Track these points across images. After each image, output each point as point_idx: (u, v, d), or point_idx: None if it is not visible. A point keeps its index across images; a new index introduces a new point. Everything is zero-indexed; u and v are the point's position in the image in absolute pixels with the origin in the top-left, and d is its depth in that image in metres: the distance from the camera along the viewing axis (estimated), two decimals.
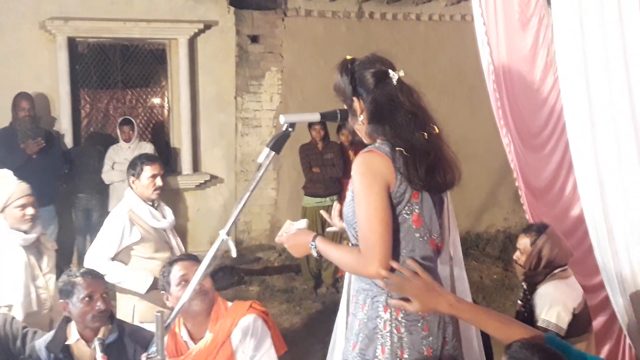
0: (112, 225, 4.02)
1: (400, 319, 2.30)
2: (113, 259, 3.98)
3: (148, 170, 4.08)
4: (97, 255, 3.97)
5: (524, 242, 3.52)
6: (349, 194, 2.36)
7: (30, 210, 3.66)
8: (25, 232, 3.65)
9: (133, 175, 4.11)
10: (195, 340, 3.01)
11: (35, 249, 3.72)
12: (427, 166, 2.25)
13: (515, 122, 4.17)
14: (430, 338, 2.33)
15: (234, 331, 2.94)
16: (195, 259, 3.15)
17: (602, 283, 3.52)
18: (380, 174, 2.23)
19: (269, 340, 2.99)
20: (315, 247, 2.42)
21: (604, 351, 3.81)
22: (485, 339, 3.42)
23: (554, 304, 3.32)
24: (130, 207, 4.05)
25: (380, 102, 2.30)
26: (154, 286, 3.86)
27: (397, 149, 2.23)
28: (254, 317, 2.99)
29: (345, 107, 2.38)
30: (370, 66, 2.35)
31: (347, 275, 2.69)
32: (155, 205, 4.15)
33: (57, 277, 3.43)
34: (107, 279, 3.96)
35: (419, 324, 2.32)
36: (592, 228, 3.46)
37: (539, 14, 3.85)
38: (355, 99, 2.33)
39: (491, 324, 2.20)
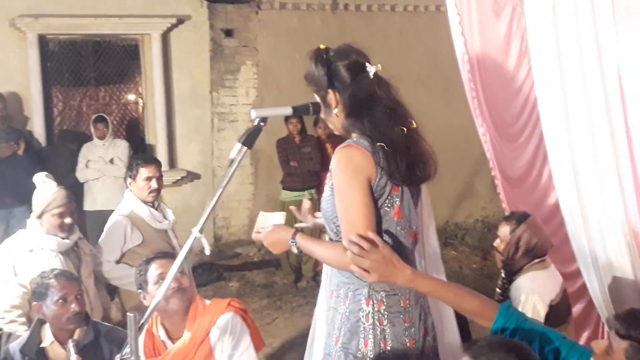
0: (113, 228, 3.94)
1: (382, 311, 2.31)
2: (118, 262, 3.92)
3: (143, 172, 4.00)
4: (104, 260, 3.91)
5: (504, 230, 3.52)
6: (327, 189, 2.34)
7: (68, 219, 3.60)
8: (63, 237, 3.59)
9: (130, 176, 4.04)
10: (173, 339, 2.97)
11: (73, 253, 3.67)
12: (407, 161, 2.26)
13: (490, 111, 4.18)
14: (412, 329, 2.34)
15: (212, 329, 2.90)
16: (173, 257, 3.10)
17: (579, 270, 3.54)
18: (361, 169, 2.22)
19: (248, 338, 2.96)
20: (295, 244, 2.37)
21: (583, 338, 3.84)
22: (464, 322, 3.42)
23: (530, 296, 3.30)
24: (131, 209, 3.98)
25: (358, 97, 2.28)
26: None
27: (378, 144, 2.22)
28: (232, 315, 2.95)
29: (318, 98, 2.35)
30: (346, 58, 2.32)
31: (325, 269, 2.66)
32: (156, 206, 4.08)
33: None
34: (115, 283, 3.95)
35: (401, 316, 2.33)
36: (567, 216, 3.47)
37: (512, 3, 3.85)
38: (330, 91, 2.30)
39: (448, 296, 2.24)
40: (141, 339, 2.89)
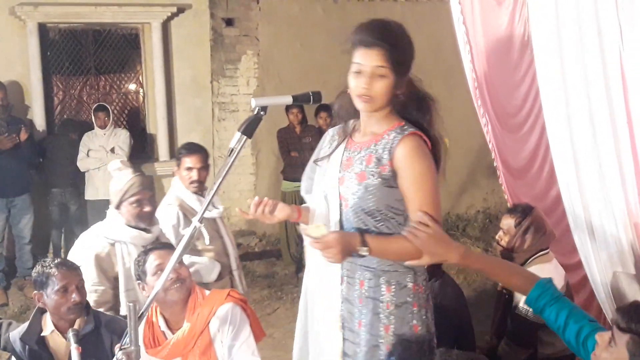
0: (166, 218, 3.83)
1: (423, 294, 2.41)
2: None
3: (186, 162, 3.91)
4: None
5: (508, 222, 3.49)
6: (371, 177, 2.32)
7: (147, 208, 3.45)
8: (145, 230, 3.44)
9: (177, 165, 3.95)
10: (173, 330, 2.96)
11: None
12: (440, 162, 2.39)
13: (492, 102, 4.16)
14: (431, 302, 2.50)
15: (212, 320, 2.89)
16: (171, 247, 3.08)
17: (581, 262, 3.53)
18: (430, 156, 2.32)
19: (248, 329, 2.96)
20: (367, 248, 2.27)
21: None
22: (467, 319, 3.42)
23: None
24: (180, 198, 3.90)
25: (417, 86, 2.41)
26: (221, 276, 3.80)
27: (444, 139, 2.40)
28: (232, 306, 2.94)
29: (390, 71, 2.28)
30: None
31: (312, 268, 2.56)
32: (204, 194, 3.96)
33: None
34: None
35: (430, 297, 2.47)
36: (569, 207, 3.46)
37: None
38: (409, 76, 2.35)
39: (498, 272, 2.42)
40: (141, 328, 2.88)
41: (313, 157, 2.61)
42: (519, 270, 2.46)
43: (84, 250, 3.43)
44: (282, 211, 2.46)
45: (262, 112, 2.15)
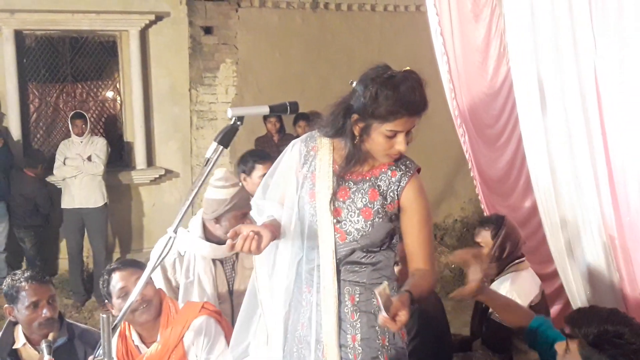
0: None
1: None
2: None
3: (260, 169, 3.85)
4: None
5: (484, 234, 3.49)
6: (375, 215, 2.32)
7: (247, 220, 3.21)
8: (219, 242, 3.25)
9: (244, 171, 3.89)
10: (147, 344, 2.90)
11: (230, 264, 3.34)
12: None
13: (469, 113, 4.19)
14: None
15: (186, 334, 2.84)
16: (137, 265, 2.95)
17: (556, 271, 3.56)
18: None
19: (223, 341, 2.90)
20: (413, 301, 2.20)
21: None
22: (446, 325, 3.41)
23: (510, 296, 3.31)
24: None
25: None
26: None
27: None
28: (206, 318, 2.88)
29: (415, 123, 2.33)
30: None
31: (328, 277, 2.42)
32: None
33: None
34: None
35: None
36: (545, 218, 3.49)
37: (491, 4, 3.86)
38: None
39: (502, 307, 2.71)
40: (114, 341, 2.82)
41: (268, 174, 2.56)
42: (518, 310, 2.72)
43: (153, 257, 3.37)
44: (266, 240, 2.27)
45: (238, 122, 2.13)
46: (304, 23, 8.15)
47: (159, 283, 3.24)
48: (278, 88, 7.69)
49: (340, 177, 2.38)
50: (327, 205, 2.35)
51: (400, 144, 2.25)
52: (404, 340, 2.48)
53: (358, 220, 2.33)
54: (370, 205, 2.33)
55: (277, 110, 2.27)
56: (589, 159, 3.05)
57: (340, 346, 2.40)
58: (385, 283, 2.17)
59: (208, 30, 7.84)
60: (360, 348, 2.38)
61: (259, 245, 2.22)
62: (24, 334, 2.91)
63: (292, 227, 2.45)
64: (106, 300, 2.93)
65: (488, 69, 3.96)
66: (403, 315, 2.06)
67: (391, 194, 2.32)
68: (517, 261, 3.46)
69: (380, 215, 2.32)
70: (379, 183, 2.34)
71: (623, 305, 3.16)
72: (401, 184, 2.32)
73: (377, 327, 2.37)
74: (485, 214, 4.33)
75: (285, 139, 7.19)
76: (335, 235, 2.35)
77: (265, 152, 3.98)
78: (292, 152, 2.54)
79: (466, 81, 4.14)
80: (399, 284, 2.50)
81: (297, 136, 7.26)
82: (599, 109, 2.95)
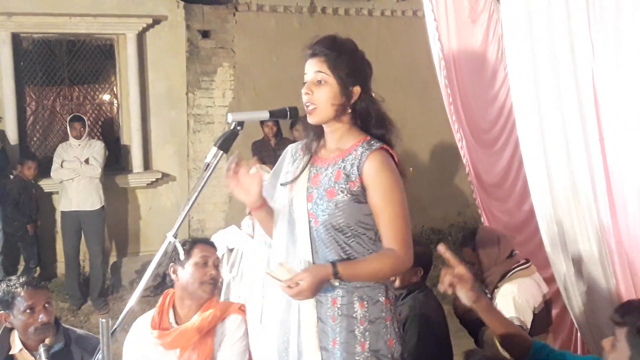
0: None
1: (394, 308, 2.42)
2: None
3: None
4: None
5: (467, 252, 3.49)
6: (340, 193, 2.31)
7: None
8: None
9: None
10: (179, 324, 2.97)
11: None
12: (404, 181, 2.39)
13: (466, 117, 4.19)
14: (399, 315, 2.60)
15: (220, 324, 2.94)
16: (214, 246, 3.17)
17: (553, 276, 3.56)
18: (397, 171, 2.33)
19: (248, 345, 2.98)
20: (338, 277, 2.27)
21: (557, 344, 3.86)
22: (447, 330, 3.40)
23: (518, 304, 3.27)
24: None
25: (377, 105, 2.38)
26: None
27: (410, 169, 2.51)
28: (241, 319, 2.99)
29: (333, 80, 2.30)
30: (370, 67, 2.41)
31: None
32: None
33: None
34: None
35: (397, 310, 2.49)
36: (542, 222, 3.49)
37: (488, 9, 3.87)
38: (359, 86, 2.33)
39: (496, 323, 2.51)
40: (148, 317, 2.99)
41: (272, 175, 2.60)
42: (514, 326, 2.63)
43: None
44: (254, 182, 2.40)
45: (238, 127, 2.14)
46: (302, 27, 8.16)
47: None
48: (275, 92, 7.70)
49: (312, 164, 2.44)
50: (304, 192, 2.40)
51: (304, 88, 2.35)
52: (393, 349, 2.37)
53: (323, 202, 2.34)
54: (334, 185, 2.33)
55: (277, 116, 2.28)
56: (586, 165, 3.06)
57: (320, 349, 2.39)
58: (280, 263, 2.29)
59: (205, 34, 7.85)
60: (338, 352, 2.35)
61: (238, 168, 2.37)
62: (20, 340, 2.89)
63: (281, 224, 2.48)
64: (173, 263, 3.02)
65: (485, 74, 3.97)
66: (303, 282, 2.19)
67: (353, 171, 2.31)
68: (522, 266, 3.41)
69: (345, 194, 2.30)
70: (344, 164, 2.34)
71: None
72: (361, 159, 2.30)
73: (356, 333, 2.34)
74: (482, 220, 4.34)
75: (282, 143, 7.19)
76: (310, 220, 2.37)
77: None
78: (284, 153, 2.61)
79: (463, 86, 4.15)
80: (393, 288, 2.50)
81: (294, 140, 7.27)
82: (596, 115, 2.96)
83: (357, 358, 2.34)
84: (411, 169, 2.48)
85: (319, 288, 2.28)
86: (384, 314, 2.36)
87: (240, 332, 2.96)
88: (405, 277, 3.29)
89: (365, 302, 2.35)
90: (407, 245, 2.30)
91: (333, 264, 2.28)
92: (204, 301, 2.98)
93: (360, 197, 2.30)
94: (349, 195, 2.30)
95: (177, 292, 3.01)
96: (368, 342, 2.34)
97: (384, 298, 2.37)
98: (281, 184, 2.51)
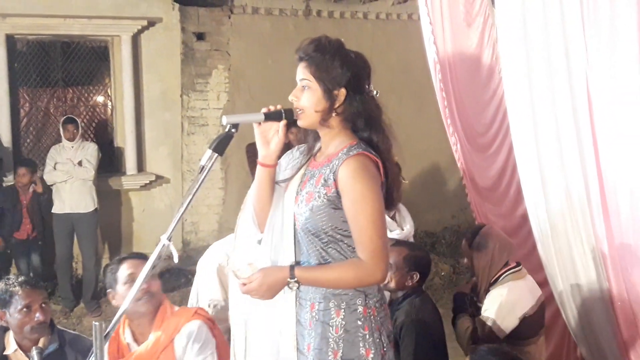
0: None
1: (376, 318, 2.33)
2: None
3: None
4: None
5: (465, 246, 3.50)
6: (318, 198, 2.27)
7: None
8: None
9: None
10: (139, 342, 2.92)
11: None
12: (396, 184, 2.34)
13: (461, 121, 4.20)
14: (390, 327, 2.45)
15: (177, 337, 2.85)
16: (145, 258, 2.99)
17: (546, 279, 3.58)
18: (376, 177, 2.24)
19: (213, 349, 2.91)
20: (296, 281, 2.27)
21: (550, 346, 3.88)
22: (443, 334, 3.40)
23: (502, 307, 3.28)
24: None
25: (369, 107, 2.31)
26: None
27: (396, 159, 2.33)
28: (199, 324, 2.89)
29: (316, 85, 2.28)
30: (367, 66, 2.35)
31: None
32: (391, 215, 3.78)
33: None
34: None
35: (387, 320, 2.40)
36: (535, 226, 3.51)
37: (483, 13, 3.89)
38: (343, 89, 2.28)
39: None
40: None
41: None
42: None
43: (208, 262, 3.48)
44: (277, 139, 2.41)
45: (233, 130, 2.14)
46: (297, 30, 8.16)
47: (213, 289, 3.39)
48: (270, 95, 7.61)
49: (307, 167, 2.41)
50: (293, 194, 2.38)
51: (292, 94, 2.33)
52: (369, 358, 2.29)
53: (302, 205, 2.31)
54: (313, 190, 2.30)
55: (272, 117, 2.28)
56: (580, 169, 3.08)
57: (297, 350, 2.38)
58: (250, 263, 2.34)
59: (200, 36, 7.84)
60: (311, 357, 2.32)
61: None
62: (16, 340, 2.89)
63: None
64: (110, 289, 2.98)
65: (480, 78, 3.98)
66: (254, 282, 2.28)
67: (330, 176, 2.27)
68: (513, 270, 3.41)
69: (321, 199, 2.26)
70: (326, 170, 2.30)
71: (613, 314, 3.18)
72: (338, 164, 2.25)
73: (330, 340, 2.30)
74: (475, 222, 4.35)
75: None
76: (294, 223, 2.36)
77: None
78: (289, 152, 2.58)
79: (458, 89, 4.16)
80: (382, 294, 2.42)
81: (289, 143, 7.25)
82: (590, 119, 2.97)
83: None
84: (406, 180, 2.43)
85: (274, 289, 2.29)
86: (360, 323, 2.30)
87: (199, 338, 2.87)
88: (401, 281, 3.28)
89: (342, 310, 2.31)
90: (377, 257, 2.21)
91: (292, 266, 2.28)
92: (151, 314, 2.90)
93: (336, 202, 2.25)
94: (325, 200, 2.26)
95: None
96: (341, 351, 2.30)
97: (362, 307, 2.30)
98: (276, 182, 2.48)
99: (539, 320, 3.42)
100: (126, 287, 2.89)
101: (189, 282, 7.22)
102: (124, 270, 2.95)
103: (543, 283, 3.56)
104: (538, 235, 3.47)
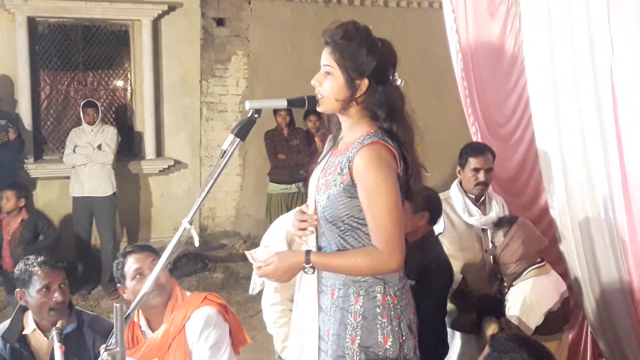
0: None
1: (396, 305, 2.33)
2: None
3: (472, 163, 3.70)
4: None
5: (498, 235, 3.44)
6: (335, 187, 2.27)
7: None
8: None
9: (460, 164, 3.80)
10: (153, 330, 2.92)
11: None
12: (416, 174, 2.32)
13: (482, 111, 4.17)
14: (416, 321, 2.43)
15: (188, 324, 2.84)
16: (151, 250, 3.00)
17: (566, 272, 3.56)
18: (392, 167, 2.22)
19: (224, 334, 2.90)
20: (311, 266, 2.27)
21: (568, 339, 3.85)
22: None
23: (526, 304, 3.24)
24: (449, 196, 3.78)
25: (392, 97, 2.29)
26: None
27: (418, 149, 2.31)
28: (209, 309, 2.87)
29: (338, 72, 2.25)
30: (392, 56, 2.32)
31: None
32: (482, 199, 3.75)
33: None
34: None
35: (409, 308, 2.38)
36: (556, 218, 3.49)
37: (507, 3, 3.84)
38: (366, 79, 2.26)
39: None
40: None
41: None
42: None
43: (275, 232, 3.29)
44: None
45: (256, 115, 2.13)
46: (317, 17, 8.13)
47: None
48: (289, 81, 7.68)
49: (331, 155, 2.41)
50: (315, 182, 2.39)
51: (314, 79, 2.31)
52: (388, 348, 2.30)
53: (321, 193, 2.32)
54: (330, 178, 2.30)
55: (295, 104, 2.26)
56: (602, 161, 3.04)
57: (319, 337, 2.39)
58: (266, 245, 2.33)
59: (220, 22, 7.84)
60: (330, 343, 2.34)
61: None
62: (34, 320, 2.92)
63: None
64: (119, 284, 2.97)
65: (502, 68, 3.94)
66: (270, 265, 2.31)
67: (346, 164, 2.26)
68: (537, 265, 3.33)
69: (337, 188, 2.26)
70: (343, 158, 2.29)
71: (632, 307, 3.16)
72: (352, 153, 2.25)
73: (349, 326, 2.31)
74: None
75: (295, 132, 7.20)
76: (315, 209, 2.36)
77: (482, 145, 3.92)
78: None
79: (480, 79, 4.12)
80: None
81: (307, 130, 7.28)
82: (614, 111, 2.94)
83: (347, 352, 2.32)
84: (428, 173, 2.39)
85: (289, 273, 2.32)
86: (379, 310, 2.30)
87: (209, 325, 2.85)
88: (410, 224, 3.16)
89: (361, 297, 2.31)
90: (392, 245, 2.20)
91: (307, 251, 2.29)
92: (163, 304, 2.88)
93: (352, 191, 2.25)
94: (340, 189, 2.26)
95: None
96: (359, 338, 2.31)
97: (381, 295, 2.31)
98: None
99: (564, 315, 3.35)
100: (134, 282, 2.87)
101: (205, 267, 7.29)
102: (130, 265, 2.91)
103: (563, 275, 3.53)
104: (558, 227, 3.45)
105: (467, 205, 3.70)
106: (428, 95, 8.11)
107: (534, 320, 3.23)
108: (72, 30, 7.46)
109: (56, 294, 2.86)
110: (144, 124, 7.67)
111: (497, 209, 3.71)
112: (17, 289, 2.94)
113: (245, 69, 8.00)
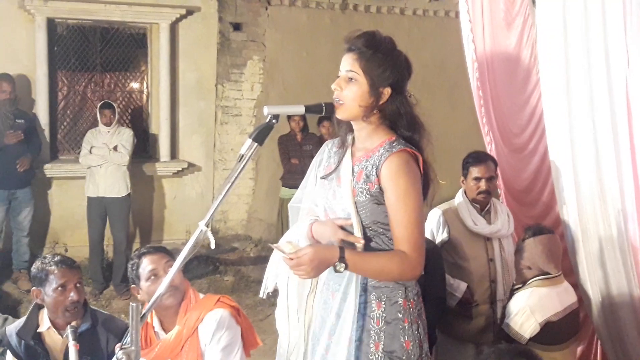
0: (427, 219, 3.76)
1: (415, 310, 2.38)
2: None
3: (474, 172, 3.73)
4: None
5: (519, 243, 3.47)
6: (361, 194, 2.30)
7: None
8: None
9: (463, 174, 3.82)
10: (166, 331, 2.94)
11: None
12: (432, 185, 2.37)
13: (497, 120, 4.18)
14: (424, 319, 2.48)
15: (200, 326, 2.87)
16: (165, 251, 3.03)
17: (576, 283, 3.55)
18: (417, 173, 2.29)
19: (236, 337, 2.92)
20: (344, 263, 2.23)
21: (577, 352, 3.85)
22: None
23: (521, 312, 3.24)
24: (452, 204, 3.81)
25: (410, 108, 2.35)
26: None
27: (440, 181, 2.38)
28: (222, 312, 2.90)
29: (363, 79, 2.28)
30: (409, 66, 2.38)
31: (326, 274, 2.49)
32: (487, 208, 3.76)
33: None
34: None
35: (422, 311, 2.44)
36: (567, 229, 3.49)
37: (523, 13, 3.86)
38: (389, 88, 2.30)
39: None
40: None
41: (313, 171, 2.59)
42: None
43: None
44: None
45: (274, 120, 2.16)
46: (333, 23, 8.17)
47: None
48: (304, 87, 7.72)
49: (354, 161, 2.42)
50: (349, 187, 2.37)
51: (334, 84, 2.33)
52: (410, 351, 2.34)
53: (346, 200, 2.34)
54: (356, 185, 2.33)
55: (312, 111, 2.29)
56: (615, 173, 3.05)
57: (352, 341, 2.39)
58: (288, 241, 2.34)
59: (237, 27, 7.90)
60: (353, 349, 2.35)
61: None
62: (49, 318, 2.96)
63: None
64: (133, 284, 3.00)
65: (518, 78, 3.95)
66: (304, 256, 2.22)
67: (372, 172, 2.30)
68: (543, 277, 3.31)
69: (364, 195, 2.30)
70: (367, 164, 2.33)
71: None
72: (380, 161, 2.28)
73: (372, 332, 2.34)
74: None
75: (309, 138, 7.22)
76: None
77: (483, 153, 3.94)
78: (323, 147, 2.60)
79: (496, 89, 4.13)
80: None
81: (321, 136, 7.31)
82: (629, 124, 2.94)
83: (371, 357, 2.35)
84: (443, 182, 2.42)
85: (322, 267, 2.26)
86: (401, 315, 2.35)
87: (221, 327, 2.86)
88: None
89: (383, 303, 2.35)
90: (419, 251, 2.24)
91: (341, 248, 2.27)
92: (176, 306, 2.90)
93: (379, 198, 2.29)
94: (368, 196, 2.30)
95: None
96: (382, 342, 2.34)
97: (402, 299, 2.36)
98: (321, 178, 2.50)
99: (568, 327, 3.31)
100: (149, 283, 2.90)
101: (216, 270, 7.32)
102: (145, 266, 2.94)
103: (573, 286, 3.53)
104: (569, 239, 3.45)
105: (472, 214, 3.72)
106: (442, 103, 8.11)
107: (528, 330, 3.21)
108: (91, 32, 7.54)
109: (72, 293, 2.90)
110: (159, 126, 7.73)
111: (502, 218, 3.73)
112: (34, 287, 2.98)
113: (260, 73, 8.05)
